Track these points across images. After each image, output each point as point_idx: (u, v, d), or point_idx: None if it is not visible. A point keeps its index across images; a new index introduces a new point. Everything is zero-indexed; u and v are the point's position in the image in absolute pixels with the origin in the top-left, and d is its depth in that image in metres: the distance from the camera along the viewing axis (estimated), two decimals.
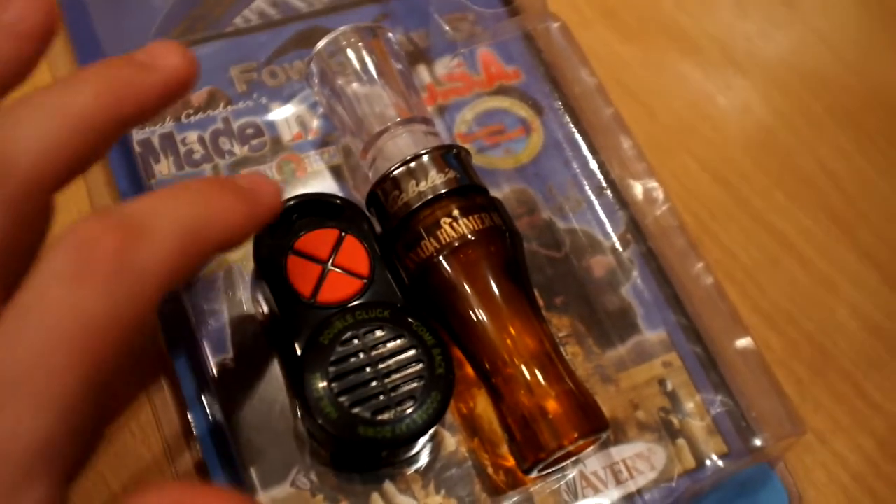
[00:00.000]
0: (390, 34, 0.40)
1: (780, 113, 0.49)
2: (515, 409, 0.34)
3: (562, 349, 0.36)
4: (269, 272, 0.35)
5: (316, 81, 0.39)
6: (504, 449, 0.36)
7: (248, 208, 0.29)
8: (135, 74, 0.28)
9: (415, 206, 0.36)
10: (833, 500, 0.40)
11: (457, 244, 0.35)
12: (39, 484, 0.23)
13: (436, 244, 0.35)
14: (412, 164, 0.36)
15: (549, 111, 0.44)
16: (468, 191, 0.36)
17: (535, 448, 0.33)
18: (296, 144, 0.42)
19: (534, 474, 0.35)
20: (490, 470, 0.36)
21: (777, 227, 0.46)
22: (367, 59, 0.39)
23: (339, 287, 0.35)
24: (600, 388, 0.38)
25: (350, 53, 0.39)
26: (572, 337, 0.39)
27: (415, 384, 0.33)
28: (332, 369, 0.33)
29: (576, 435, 0.33)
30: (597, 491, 0.36)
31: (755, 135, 0.48)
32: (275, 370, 0.36)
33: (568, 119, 0.44)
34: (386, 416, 0.33)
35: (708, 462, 0.37)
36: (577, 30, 0.45)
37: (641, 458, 0.37)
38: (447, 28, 0.45)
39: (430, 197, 0.36)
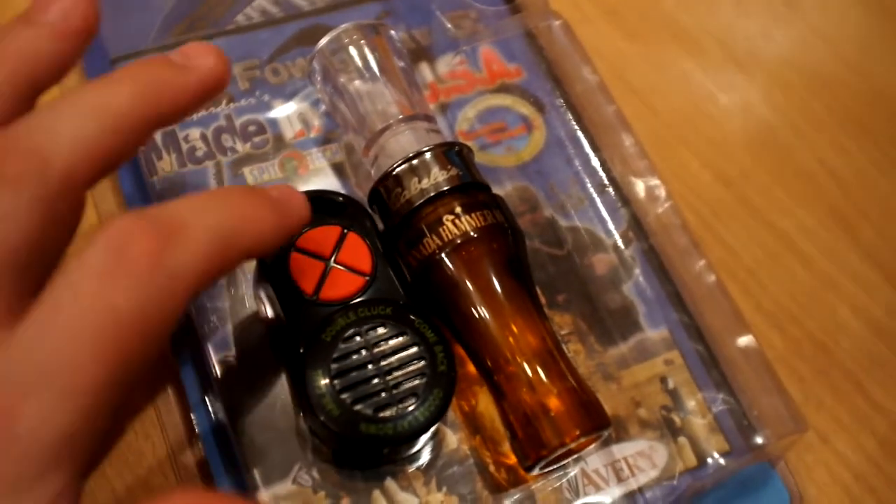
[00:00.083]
0: (392, 31, 0.40)
1: (781, 111, 0.49)
2: (517, 406, 0.34)
3: (564, 347, 0.36)
4: (272, 269, 0.35)
5: (318, 79, 0.39)
6: (506, 446, 0.36)
7: (278, 218, 0.30)
8: (170, 74, 0.29)
9: (417, 204, 0.36)
10: (834, 498, 0.40)
11: (459, 241, 0.35)
12: (58, 475, 0.24)
13: (438, 241, 0.35)
14: (414, 162, 0.36)
15: (550, 109, 0.44)
16: (470, 188, 0.36)
17: (537, 445, 0.33)
18: (298, 142, 0.42)
19: (535, 472, 0.35)
20: (492, 467, 0.36)
21: (778, 225, 0.46)
22: (370, 57, 0.39)
23: (342, 284, 0.35)
24: (602, 386, 0.38)
25: (352, 51, 0.39)
26: (574, 335, 0.39)
27: (417, 381, 0.33)
28: (334, 366, 0.33)
29: (578, 432, 0.33)
30: (598, 489, 0.36)
31: (756, 133, 0.48)
32: (277, 367, 0.36)
33: (570, 117, 0.44)
34: (388, 413, 0.33)
35: (709, 460, 0.37)
36: (579, 28, 0.45)
37: (643, 456, 0.37)
38: (449, 25, 0.45)
39: (432, 194, 0.35)
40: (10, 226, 0.25)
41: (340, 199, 0.37)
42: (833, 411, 0.42)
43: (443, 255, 0.35)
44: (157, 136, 0.40)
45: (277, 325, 0.36)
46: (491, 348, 0.34)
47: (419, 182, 0.36)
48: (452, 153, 0.37)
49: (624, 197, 0.42)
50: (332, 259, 0.36)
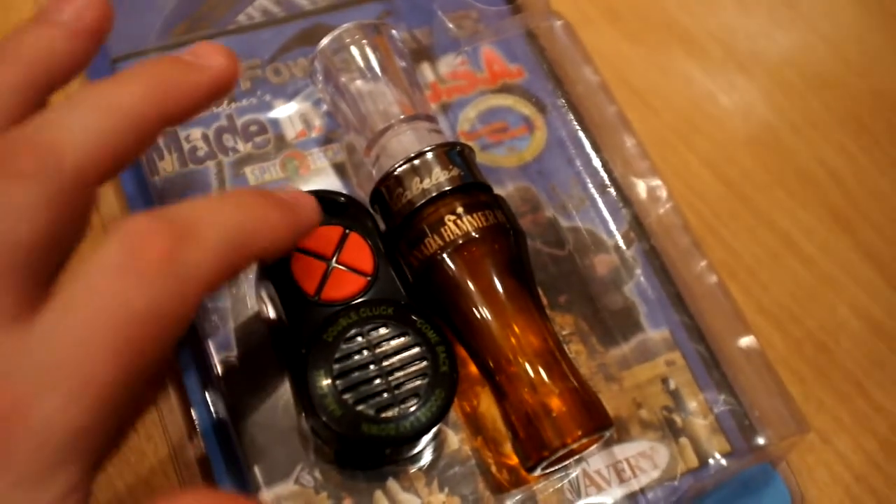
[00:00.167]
0: (394, 31, 0.40)
1: (781, 112, 0.49)
2: (519, 406, 0.34)
3: (565, 347, 0.36)
4: (273, 270, 0.35)
5: (320, 78, 0.39)
6: (507, 447, 0.36)
7: (289, 220, 0.30)
8: (181, 73, 0.30)
9: (419, 204, 0.36)
10: (835, 499, 0.40)
11: (461, 242, 0.35)
12: (72, 469, 0.24)
13: (439, 241, 0.35)
14: (416, 162, 0.36)
15: (552, 109, 0.44)
16: (472, 188, 0.36)
17: (538, 446, 0.33)
18: (299, 142, 0.41)
19: (537, 472, 0.35)
20: (493, 468, 0.36)
21: (779, 225, 0.46)
22: (371, 57, 0.39)
23: (343, 284, 0.35)
24: (603, 387, 0.38)
25: (354, 50, 0.39)
26: (575, 335, 0.39)
27: (419, 382, 0.33)
28: (336, 367, 0.33)
29: (579, 433, 0.33)
30: (600, 489, 0.36)
31: (757, 133, 0.48)
32: (279, 368, 0.36)
33: (571, 117, 0.44)
34: (390, 413, 0.33)
35: (711, 461, 0.37)
36: (580, 28, 0.45)
37: (644, 457, 0.37)
38: (451, 25, 0.45)
39: (433, 194, 0.35)
40: (23, 221, 0.25)
41: (342, 199, 0.37)
42: (834, 412, 0.42)
43: (444, 255, 0.35)
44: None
45: (279, 326, 0.36)
46: (492, 348, 0.34)
47: (421, 182, 0.36)
48: (454, 153, 0.37)
49: (625, 197, 0.42)
50: (334, 259, 0.36)
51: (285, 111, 0.42)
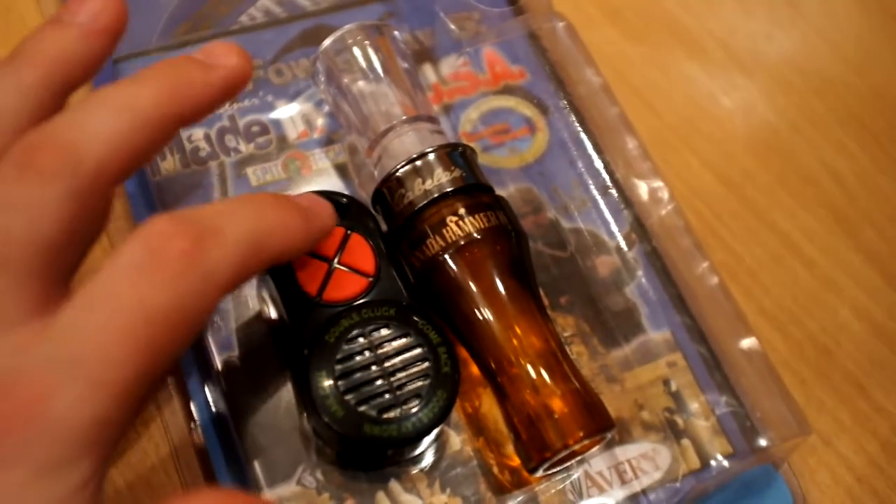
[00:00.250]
0: (396, 32, 0.40)
1: (783, 112, 0.49)
2: (521, 408, 0.34)
3: (567, 348, 0.36)
4: (275, 270, 0.35)
5: (322, 79, 0.39)
6: (509, 448, 0.36)
7: (306, 225, 0.31)
8: (195, 73, 0.30)
9: (420, 205, 0.36)
10: (837, 500, 0.40)
11: (462, 243, 0.35)
12: (87, 461, 0.24)
13: (441, 243, 0.35)
14: (418, 163, 0.36)
15: (554, 110, 0.44)
16: (474, 189, 0.36)
17: (540, 447, 0.33)
18: (301, 142, 0.41)
19: (539, 474, 0.35)
20: (495, 469, 0.36)
21: (780, 226, 0.46)
22: (373, 58, 0.39)
23: (345, 285, 0.35)
24: (605, 388, 0.38)
25: (356, 51, 0.39)
26: (577, 336, 0.39)
27: (420, 383, 0.33)
28: (338, 367, 0.33)
29: (581, 434, 0.33)
30: (602, 491, 0.36)
31: (758, 134, 0.48)
32: (280, 368, 0.36)
33: (573, 118, 0.44)
34: (392, 414, 0.33)
35: (713, 462, 0.37)
36: (582, 29, 0.45)
37: (646, 458, 0.37)
38: (453, 27, 0.45)
39: (435, 195, 0.35)
40: (43, 218, 0.26)
41: (344, 200, 0.37)
42: (835, 413, 0.42)
43: (446, 256, 0.35)
44: None
45: (281, 326, 0.36)
46: (494, 350, 0.34)
47: (422, 183, 0.36)
48: (456, 154, 0.37)
49: (627, 199, 0.42)
50: (336, 260, 0.36)
51: (287, 112, 0.42)
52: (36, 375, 0.24)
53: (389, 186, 0.36)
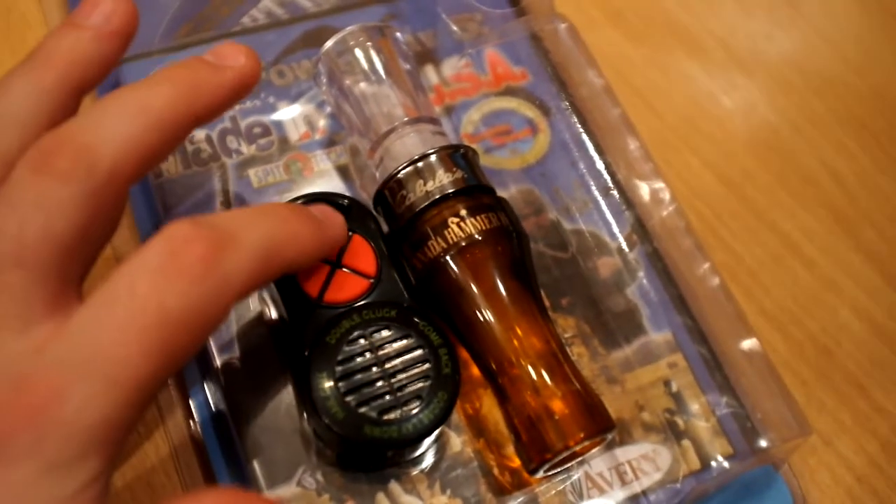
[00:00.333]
0: (398, 34, 0.40)
1: (783, 113, 0.49)
2: (521, 409, 0.34)
3: (568, 350, 0.36)
4: None
5: (324, 81, 0.39)
6: (509, 449, 0.36)
7: (319, 235, 0.33)
8: (206, 74, 0.31)
9: (422, 206, 0.36)
10: (837, 501, 0.40)
11: (464, 244, 0.35)
12: (96, 460, 0.25)
13: (443, 244, 0.35)
14: (419, 164, 0.36)
15: (555, 112, 0.44)
16: (475, 191, 0.36)
17: (541, 448, 0.33)
18: (303, 144, 0.42)
19: (539, 475, 0.35)
20: (495, 470, 0.36)
21: (781, 226, 0.46)
22: (375, 59, 0.39)
23: (346, 287, 0.35)
24: (606, 389, 0.38)
25: (358, 53, 0.39)
26: (578, 338, 0.39)
27: (421, 384, 0.33)
28: (338, 369, 0.33)
29: (582, 435, 0.33)
30: (602, 492, 0.36)
31: (759, 134, 0.49)
32: (281, 370, 0.36)
33: (575, 120, 0.44)
34: (392, 415, 0.33)
35: (713, 463, 0.37)
36: (584, 31, 0.45)
37: (647, 459, 0.37)
38: (455, 28, 0.45)
39: (437, 197, 0.36)
40: (59, 217, 0.26)
41: (345, 201, 0.37)
42: (835, 414, 0.42)
43: (447, 257, 0.35)
44: None
45: (281, 327, 0.36)
46: (495, 351, 0.35)
47: (424, 184, 0.36)
48: (457, 156, 0.37)
49: (628, 200, 0.42)
50: (337, 261, 0.36)
51: (289, 113, 0.42)
52: (49, 374, 0.25)
53: (391, 188, 0.36)
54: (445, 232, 0.35)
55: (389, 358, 0.34)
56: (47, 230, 0.26)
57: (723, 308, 0.40)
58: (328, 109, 0.42)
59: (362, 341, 0.34)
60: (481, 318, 0.35)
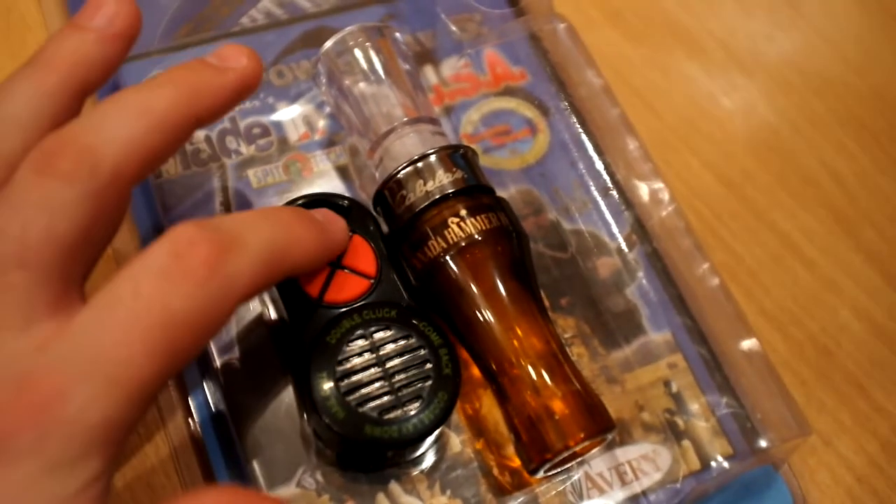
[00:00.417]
0: (397, 34, 0.40)
1: (783, 113, 0.49)
2: (521, 409, 0.34)
3: (567, 350, 0.36)
4: None
5: (323, 81, 0.39)
6: (509, 450, 0.36)
7: (323, 239, 0.33)
8: (208, 76, 0.31)
9: (422, 206, 0.36)
10: (837, 501, 0.40)
11: (464, 244, 0.35)
12: (97, 459, 0.25)
13: (443, 244, 0.35)
14: (419, 164, 0.36)
15: (555, 112, 0.44)
16: (475, 191, 0.36)
17: (541, 449, 0.33)
18: (302, 144, 0.42)
19: (539, 475, 0.35)
20: (496, 471, 0.36)
21: (781, 227, 0.46)
22: (375, 59, 0.39)
23: (347, 287, 0.35)
24: (605, 389, 0.38)
25: (357, 53, 0.39)
26: (578, 338, 0.39)
27: (421, 384, 0.33)
28: (339, 369, 0.33)
29: (582, 435, 0.33)
30: (602, 492, 0.36)
31: (759, 135, 0.49)
32: (281, 370, 0.36)
33: (574, 120, 0.44)
34: (392, 415, 0.33)
35: (713, 463, 0.37)
36: (583, 31, 0.45)
37: (647, 460, 0.37)
38: (454, 28, 0.45)
39: (437, 197, 0.36)
40: (62, 218, 0.27)
41: (345, 202, 0.37)
42: (835, 414, 0.42)
43: (447, 257, 0.35)
44: None
45: (281, 327, 0.36)
46: (495, 351, 0.34)
47: (424, 185, 0.36)
48: (457, 156, 0.37)
49: (628, 200, 0.42)
50: (338, 262, 0.36)
51: (288, 114, 0.42)
52: (52, 373, 0.25)
53: (390, 188, 0.36)
54: (445, 232, 0.35)
55: (390, 358, 0.34)
56: (50, 231, 0.26)
57: (722, 308, 0.40)
58: (327, 110, 0.42)
59: (362, 341, 0.34)
60: (481, 319, 0.35)
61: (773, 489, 0.38)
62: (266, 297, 0.37)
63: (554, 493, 0.35)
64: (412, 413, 0.33)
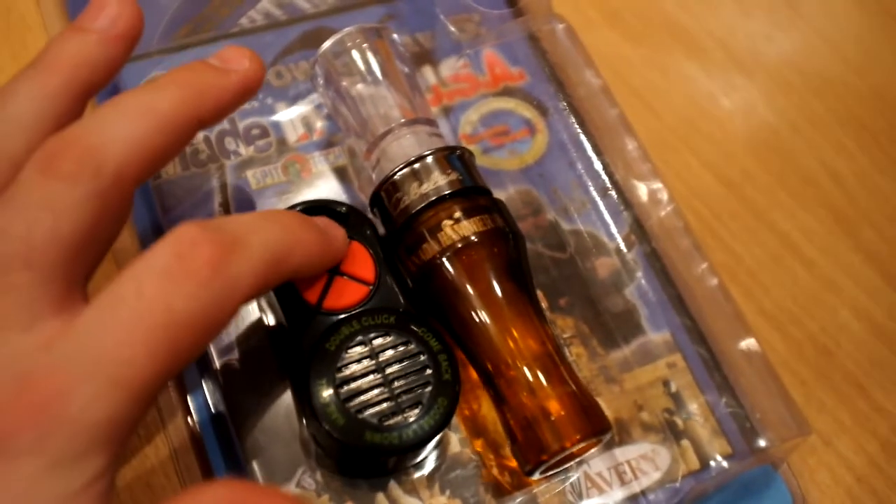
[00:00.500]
0: (395, 35, 0.40)
1: (782, 113, 0.49)
2: (518, 410, 0.34)
3: (565, 350, 0.36)
4: None
5: (321, 82, 0.39)
6: (508, 450, 0.36)
7: (324, 243, 0.33)
8: (211, 78, 0.31)
9: (418, 208, 0.36)
10: (837, 501, 0.40)
11: (459, 246, 0.35)
12: (100, 457, 0.25)
13: (438, 246, 0.35)
14: (415, 166, 0.36)
15: (553, 112, 0.44)
16: (471, 192, 0.36)
17: (537, 450, 0.33)
18: (301, 145, 0.42)
19: (536, 476, 0.35)
20: (495, 471, 0.36)
21: (780, 227, 0.46)
22: (372, 60, 0.39)
23: (345, 293, 0.35)
24: (604, 389, 0.38)
25: (355, 54, 0.39)
26: (576, 338, 0.39)
27: (421, 390, 0.34)
28: (338, 375, 0.33)
29: (578, 437, 0.33)
30: (601, 492, 0.36)
31: (758, 135, 0.48)
32: (280, 376, 0.36)
33: (572, 120, 0.44)
34: (393, 421, 0.33)
35: (712, 463, 0.37)
36: (582, 31, 0.45)
37: (646, 459, 0.37)
38: (452, 29, 0.45)
39: (433, 198, 0.36)
40: (65, 218, 0.27)
41: (343, 209, 0.37)
42: (835, 414, 0.42)
43: (443, 259, 0.35)
44: None
45: (280, 333, 0.36)
46: (491, 353, 0.35)
47: (420, 186, 0.36)
48: (454, 157, 0.37)
49: (626, 200, 0.42)
50: (336, 268, 0.36)
51: (287, 115, 0.42)
52: (55, 372, 0.25)
53: (387, 189, 0.36)
54: (440, 234, 0.35)
55: (389, 364, 0.34)
56: (55, 231, 0.27)
57: (721, 308, 0.40)
58: (326, 111, 0.42)
59: (362, 348, 0.34)
60: (477, 320, 0.35)
61: (773, 489, 0.38)
62: (264, 304, 0.37)
63: (553, 493, 0.36)
64: (412, 419, 0.33)
